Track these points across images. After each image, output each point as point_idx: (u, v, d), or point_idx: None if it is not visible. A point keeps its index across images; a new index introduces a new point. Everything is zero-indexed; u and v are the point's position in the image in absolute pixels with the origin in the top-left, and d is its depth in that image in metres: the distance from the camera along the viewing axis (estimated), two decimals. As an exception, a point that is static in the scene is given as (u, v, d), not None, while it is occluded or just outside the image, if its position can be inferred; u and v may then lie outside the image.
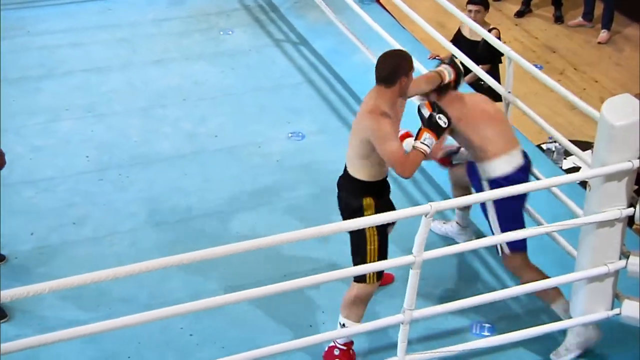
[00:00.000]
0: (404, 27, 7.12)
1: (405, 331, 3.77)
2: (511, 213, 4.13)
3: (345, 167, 4.02)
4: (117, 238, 4.93)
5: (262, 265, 4.65)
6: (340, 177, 4.07)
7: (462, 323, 4.35)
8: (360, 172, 3.94)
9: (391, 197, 4.14)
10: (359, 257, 3.96)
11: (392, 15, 7.33)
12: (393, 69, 3.86)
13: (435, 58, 6.55)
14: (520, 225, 4.14)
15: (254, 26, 6.20)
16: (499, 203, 4.07)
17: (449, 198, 5.04)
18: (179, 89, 6.30)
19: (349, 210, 3.99)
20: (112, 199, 5.23)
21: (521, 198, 4.13)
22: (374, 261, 3.91)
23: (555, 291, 4.20)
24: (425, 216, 3.51)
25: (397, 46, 5.68)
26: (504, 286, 4.55)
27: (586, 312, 4.05)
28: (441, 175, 5.36)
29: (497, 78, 5.94)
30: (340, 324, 4.05)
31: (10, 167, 5.40)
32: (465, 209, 4.80)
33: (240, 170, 5.50)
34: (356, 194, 3.97)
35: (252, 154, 5.66)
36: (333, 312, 4.36)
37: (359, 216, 3.83)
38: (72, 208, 5.14)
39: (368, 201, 3.95)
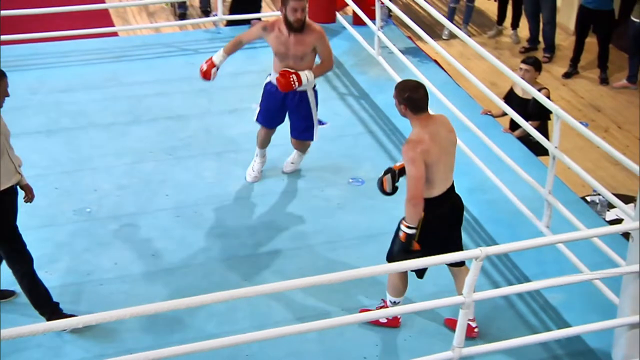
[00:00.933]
0: (458, 85, 7.13)
1: (453, 367, 3.74)
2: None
3: (452, 187, 4.20)
4: (190, 270, 5.00)
5: (325, 298, 4.66)
6: (455, 196, 4.20)
7: (507, 362, 4.29)
8: None
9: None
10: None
11: (448, 74, 7.36)
12: None
13: (487, 114, 6.55)
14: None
15: (320, 80, 6.25)
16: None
17: (489, 236, 5.02)
18: (252, 136, 6.39)
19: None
20: (186, 234, 5.31)
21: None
22: None
23: None
24: (476, 260, 3.50)
25: (449, 104, 5.72)
26: (547, 329, 4.48)
27: (628, 357, 3.96)
28: (487, 219, 5.34)
29: (545, 134, 5.90)
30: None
31: (99, 202, 5.57)
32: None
33: (303, 211, 5.54)
34: None
35: (315, 196, 5.71)
36: (385, 346, 4.35)
37: None
38: (151, 241, 5.23)
39: None
